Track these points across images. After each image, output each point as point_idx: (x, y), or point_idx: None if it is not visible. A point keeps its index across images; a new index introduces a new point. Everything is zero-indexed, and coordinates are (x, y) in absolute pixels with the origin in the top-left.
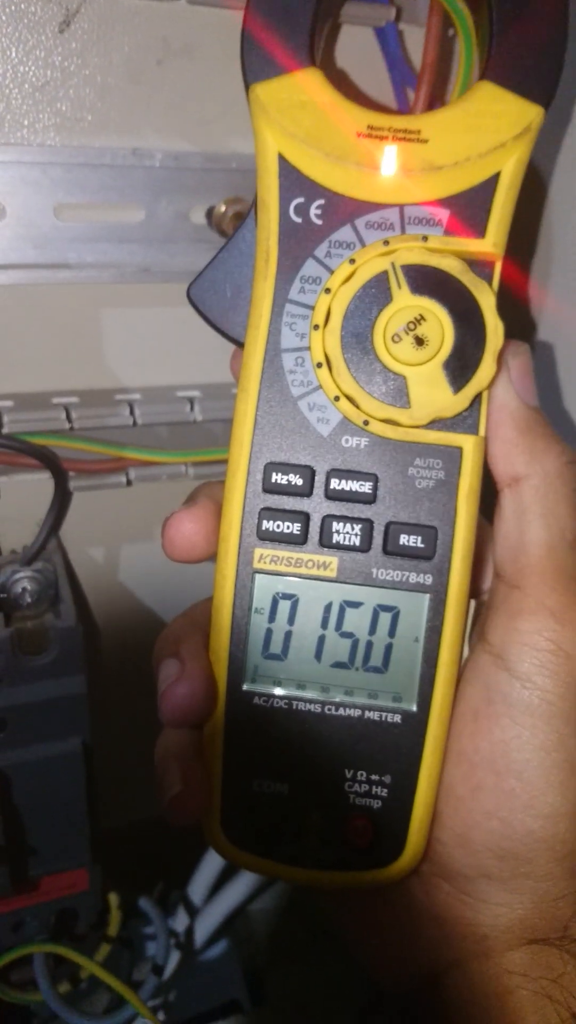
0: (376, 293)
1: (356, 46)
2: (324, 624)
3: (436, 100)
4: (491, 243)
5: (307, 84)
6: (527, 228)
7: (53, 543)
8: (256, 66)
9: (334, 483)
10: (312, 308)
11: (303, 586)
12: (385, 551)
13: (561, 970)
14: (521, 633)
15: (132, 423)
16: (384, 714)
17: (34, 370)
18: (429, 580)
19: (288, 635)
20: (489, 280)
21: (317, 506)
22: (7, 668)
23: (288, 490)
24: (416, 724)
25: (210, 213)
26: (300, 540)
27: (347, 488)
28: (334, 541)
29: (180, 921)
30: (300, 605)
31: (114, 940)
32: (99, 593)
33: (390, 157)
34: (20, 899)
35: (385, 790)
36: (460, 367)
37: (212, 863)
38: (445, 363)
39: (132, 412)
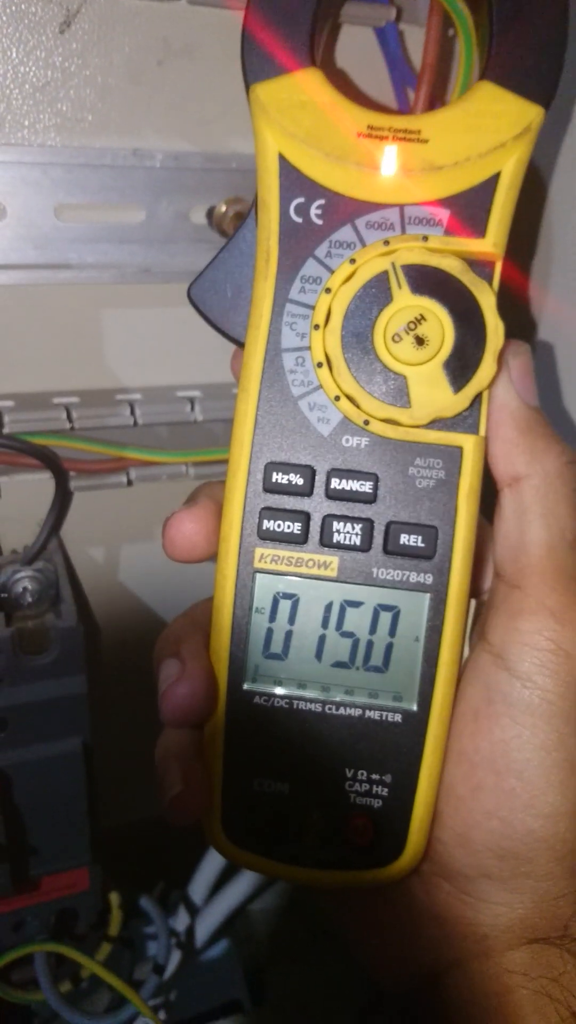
0: (376, 293)
1: (356, 46)
2: (325, 624)
3: (436, 100)
4: (491, 243)
5: (307, 84)
6: (527, 228)
7: (54, 543)
8: (256, 66)
9: (334, 483)
10: (312, 308)
11: (304, 586)
12: (385, 551)
13: (561, 969)
14: (521, 633)
15: (133, 423)
16: (384, 713)
17: (35, 370)
18: (429, 580)
19: (289, 635)
20: (489, 280)
21: (318, 506)
22: (8, 668)
23: (289, 490)
24: (416, 723)
25: (210, 213)
26: (301, 540)
27: (347, 488)
28: (335, 541)
29: (181, 920)
30: (301, 605)
31: (115, 939)
32: (100, 593)
33: (390, 157)
34: (21, 899)
35: (386, 789)
36: (460, 367)
37: (213, 863)
38: (445, 363)
39: (133, 412)
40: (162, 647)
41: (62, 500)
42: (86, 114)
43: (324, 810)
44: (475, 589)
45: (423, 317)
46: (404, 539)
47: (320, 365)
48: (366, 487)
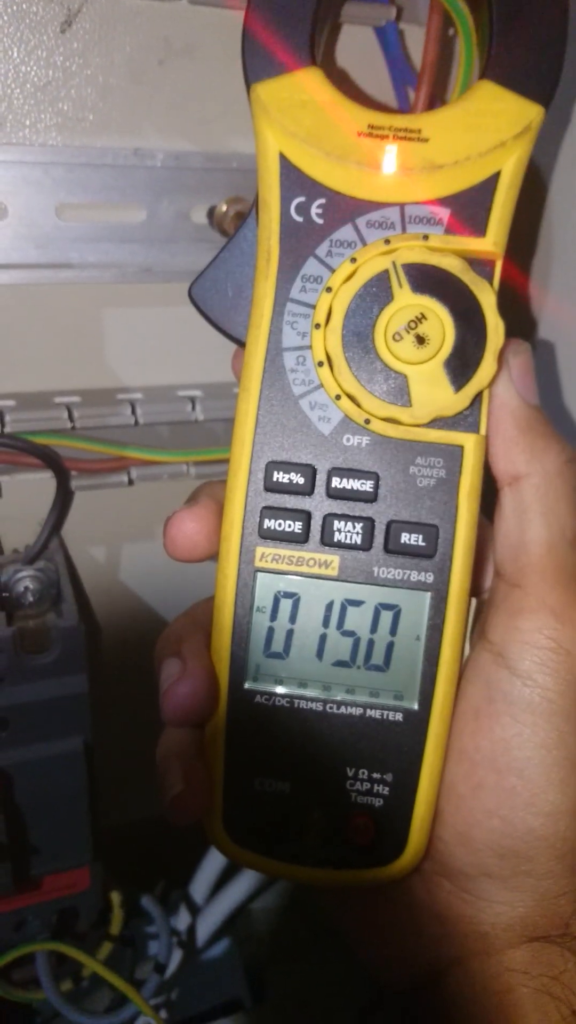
0: (377, 292)
1: (356, 46)
2: (326, 623)
3: (436, 99)
4: (491, 242)
5: (308, 83)
6: (527, 227)
7: (55, 542)
8: (257, 66)
9: (335, 482)
10: (313, 307)
11: (305, 585)
12: (386, 549)
13: (562, 967)
14: (522, 631)
15: (134, 422)
16: (385, 712)
17: (36, 370)
18: (430, 578)
19: (290, 634)
20: (490, 279)
21: (318, 505)
22: (9, 667)
23: (289, 489)
24: (417, 722)
25: (211, 213)
26: (302, 539)
27: (348, 487)
28: (335, 540)
29: (182, 920)
30: (302, 604)
31: (116, 939)
32: (101, 592)
33: (391, 156)
34: (22, 898)
35: (387, 788)
36: (461, 366)
37: (214, 862)
38: (446, 362)
39: (134, 411)
40: (163, 646)
41: (63, 499)
42: (87, 113)
43: (325, 809)
44: (476, 588)
45: (424, 316)
46: (405, 538)
47: (321, 364)
48: (367, 486)
